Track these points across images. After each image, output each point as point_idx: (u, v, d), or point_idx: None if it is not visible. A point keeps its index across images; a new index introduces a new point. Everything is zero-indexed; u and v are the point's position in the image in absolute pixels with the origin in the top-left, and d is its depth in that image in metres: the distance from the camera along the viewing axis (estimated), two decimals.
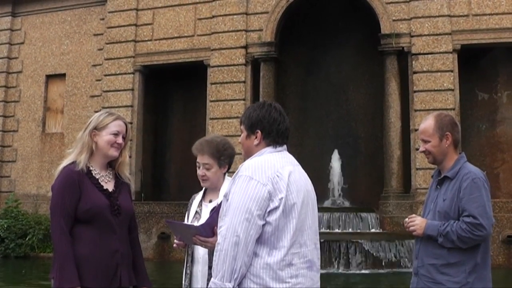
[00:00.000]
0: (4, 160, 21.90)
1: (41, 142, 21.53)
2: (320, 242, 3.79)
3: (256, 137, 3.70)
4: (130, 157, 18.62)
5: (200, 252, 4.64)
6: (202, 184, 4.89)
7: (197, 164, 4.83)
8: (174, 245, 4.77)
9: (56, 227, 4.05)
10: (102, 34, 20.90)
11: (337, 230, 16.22)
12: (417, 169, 16.76)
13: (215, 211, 4.08)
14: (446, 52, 17.08)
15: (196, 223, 4.59)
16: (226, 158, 4.83)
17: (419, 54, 17.26)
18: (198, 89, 19.77)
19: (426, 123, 4.69)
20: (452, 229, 4.34)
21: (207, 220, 4.33)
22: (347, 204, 18.32)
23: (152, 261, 16.87)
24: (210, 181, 4.81)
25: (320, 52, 19.86)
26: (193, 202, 4.98)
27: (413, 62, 17.30)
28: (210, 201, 4.82)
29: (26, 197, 20.79)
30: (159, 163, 21.13)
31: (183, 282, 4.73)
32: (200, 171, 4.81)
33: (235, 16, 18.89)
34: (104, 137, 4.30)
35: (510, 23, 16.90)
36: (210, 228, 4.16)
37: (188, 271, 4.70)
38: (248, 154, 3.76)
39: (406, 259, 14.34)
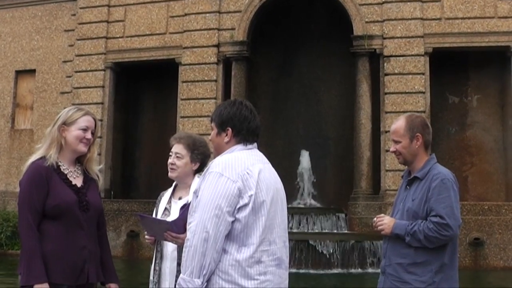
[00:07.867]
0: None
1: (10, 138, 21.28)
2: (289, 241, 3.81)
3: (226, 135, 3.72)
4: (99, 154, 18.47)
5: (169, 248, 4.65)
6: (169, 173, 4.89)
7: (170, 153, 4.86)
8: (148, 240, 4.78)
9: (23, 222, 4.04)
10: (73, 30, 20.67)
11: (305, 230, 16.27)
12: (386, 170, 16.86)
13: (186, 208, 4.07)
14: (418, 55, 17.20)
15: (167, 220, 4.58)
16: (200, 155, 4.85)
17: (391, 56, 17.35)
18: (169, 87, 19.64)
19: (397, 124, 4.71)
20: (419, 228, 4.37)
21: (179, 216, 4.34)
22: (316, 204, 18.33)
23: (121, 259, 16.76)
24: (177, 172, 4.82)
25: (292, 53, 19.86)
26: (161, 199, 4.97)
27: (385, 64, 17.39)
28: (180, 198, 4.82)
29: None
30: (129, 161, 21.00)
31: (152, 278, 4.72)
32: (170, 159, 4.83)
33: (207, 15, 18.84)
34: (73, 132, 4.28)
35: (482, 28, 17.07)
36: (182, 224, 4.16)
37: (157, 268, 4.71)
38: (218, 151, 3.79)
39: (374, 259, 14.44)
